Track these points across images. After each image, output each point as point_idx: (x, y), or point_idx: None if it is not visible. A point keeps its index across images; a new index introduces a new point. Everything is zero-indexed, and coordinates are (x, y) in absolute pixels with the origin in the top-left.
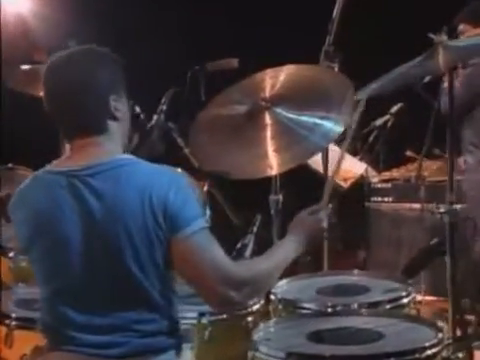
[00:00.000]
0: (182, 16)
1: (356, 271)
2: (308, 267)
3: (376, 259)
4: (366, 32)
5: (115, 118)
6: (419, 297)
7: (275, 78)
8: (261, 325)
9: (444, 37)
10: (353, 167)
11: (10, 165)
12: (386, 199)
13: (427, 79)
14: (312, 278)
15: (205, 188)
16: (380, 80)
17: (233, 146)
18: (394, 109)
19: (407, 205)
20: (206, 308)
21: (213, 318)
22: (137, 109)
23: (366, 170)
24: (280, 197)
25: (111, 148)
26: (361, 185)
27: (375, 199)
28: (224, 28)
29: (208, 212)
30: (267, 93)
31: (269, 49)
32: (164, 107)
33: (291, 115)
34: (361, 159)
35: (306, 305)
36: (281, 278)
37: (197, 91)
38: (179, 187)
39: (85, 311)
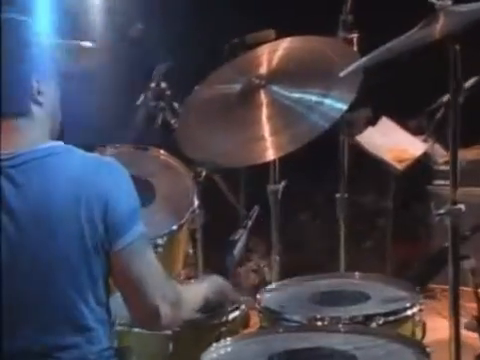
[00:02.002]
0: None
1: (358, 274)
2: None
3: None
4: None
5: (38, 102)
6: None
7: (273, 53)
8: (214, 344)
9: (448, 2)
10: (411, 147)
11: None
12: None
13: None
14: (309, 281)
15: (202, 174)
16: (372, 53)
17: (225, 130)
18: (469, 83)
19: (472, 189)
20: None
21: (178, 328)
22: (163, 85)
23: (432, 149)
24: (280, 187)
25: (34, 135)
26: (424, 167)
27: (437, 182)
28: None
29: (196, 202)
30: (263, 70)
31: (306, 20)
32: (153, 84)
33: (289, 93)
34: (427, 138)
35: (289, 316)
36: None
37: None
38: (121, 183)
39: None
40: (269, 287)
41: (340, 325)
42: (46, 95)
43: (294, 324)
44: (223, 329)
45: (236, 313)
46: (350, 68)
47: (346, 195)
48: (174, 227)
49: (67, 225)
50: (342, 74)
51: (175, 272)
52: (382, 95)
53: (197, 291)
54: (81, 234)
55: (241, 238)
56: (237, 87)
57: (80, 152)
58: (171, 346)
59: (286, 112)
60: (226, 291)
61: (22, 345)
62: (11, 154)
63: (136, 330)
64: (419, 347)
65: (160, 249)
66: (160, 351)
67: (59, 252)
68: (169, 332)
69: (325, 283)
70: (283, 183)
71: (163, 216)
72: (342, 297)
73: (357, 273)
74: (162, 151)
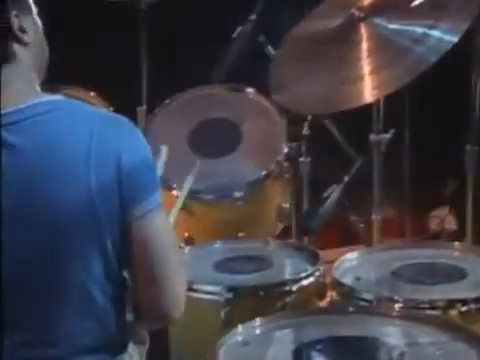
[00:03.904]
0: None
1: (461, 245)
2: None
3: None
4: None
5: (22, 42)
6: None
7: None
8: (240, 325)
9: None
10: None
11: None
12: None
13: None
14: (403, 250)
15: (308, 118)
16: None
17: (320, 70)
18: None
19: None
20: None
21: (231, 294)
22: (262, 38)
23: None
24: (385, 137)
25: (25, 85)
26: None
27: None
28: None
29: (285, 150)
30: (366, 1)
31: None
32: (253, 16)
33: (393, 25)
34: None
35: (359, 294)
36: None
37: None
38: (136, 142)
39: None
40: (350, 255)
41: (395, 312)
42: (30, 33)
43: (364, 303)
44: (287, 299)
45: (307, 281)
46: None
47: (477, 147)
48: (257, 178)
49: (73, 191)
50: (413, 4)
51: (264, 228)
52: None
53: None
54: (91, 201)
55: (332, 195)
56: (336, 22)
57: (85, 107)
58: (223, 314)
59: (388, 47)
60: None
61: (24, 331)
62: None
63: (192, 295)
64: None
65: (239, 203)
66: (210, 318)
67: (64, 222)
68: (221, 299)
69: (420, 253)
70: (391, 132)
71: (247, 165)
72: (433, 273)
73: (458, 243)
74: (256, 93)
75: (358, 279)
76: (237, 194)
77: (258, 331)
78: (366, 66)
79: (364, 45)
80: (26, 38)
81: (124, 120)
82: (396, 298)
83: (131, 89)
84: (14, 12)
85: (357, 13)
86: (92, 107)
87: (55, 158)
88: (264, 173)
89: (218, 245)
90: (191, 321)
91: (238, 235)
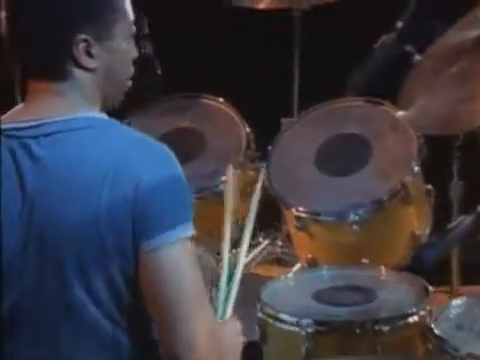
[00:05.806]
0: None
1: None
2: None
3: None
4: None
5: (84, 67)
6: None
7: None
8: None
9: None
10: None
11: None
12: None
13: None
14: None
15: (460, 136)
16: None
17: (449, 86)
18: None
19: None
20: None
21: (314, 329)
22: (409, 48)
23: None
24: None
25: (75, 102)
26: None
27: None
28: None
29: (416, 169)
30: None
31: None
32: (399, 24)
33: None
34: None
35: (447, 347)
36: None
37: None
38: (165, 170)
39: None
40: (458, 300)
41: None
42: (101, 59)
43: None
44: (377, 340)
45: (405, 321)
46: None
47: None
48: (378, 200)
49: (79, 211)
50: None
51: (391, 255)
52: None
53: None
54: (96, 223)
55: (458, 227)
56: (474, 32)
57: (123, 128)
58: (304, 349)
59: None
60: None
61: (35, 348)
62: (36, 122)
63: (277, 324)
64: None
65: (356, 227)
66: (293, 352)
67: (64, 240)
68: (303, 332)
69: None
70: None
71: (372, 186)
72: None
73: None
74: (394, 107)
75: (459, 328)
76: (354, 217)
77: None
78: None
79: None
80: (92, 64)
81: (155, 144)
82: None
83: (279, 99)
84: (83, 36)
85: None
86: (129, 129)
87: (72, 175)
88: (387, 195)
89: (325, 271)
90: (278, 351)
91: (361, 261)
